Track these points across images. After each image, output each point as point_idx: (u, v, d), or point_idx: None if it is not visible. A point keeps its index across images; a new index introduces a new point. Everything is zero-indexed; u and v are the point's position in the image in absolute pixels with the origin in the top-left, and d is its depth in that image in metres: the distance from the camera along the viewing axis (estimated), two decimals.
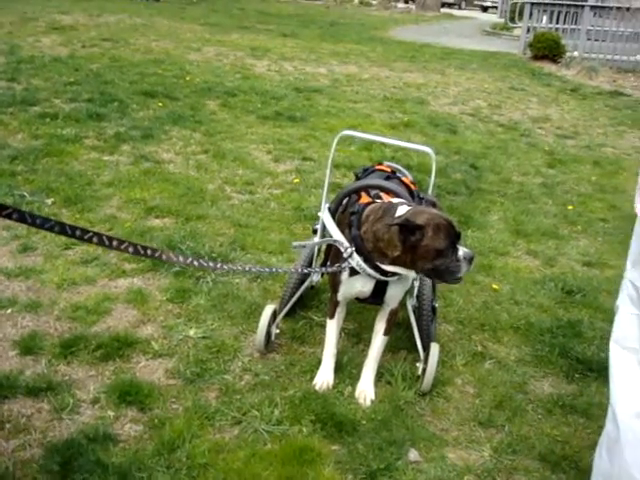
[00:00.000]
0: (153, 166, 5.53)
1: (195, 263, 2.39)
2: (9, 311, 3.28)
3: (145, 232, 4.22)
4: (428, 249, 2.54)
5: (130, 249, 2.01)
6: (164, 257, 2.19)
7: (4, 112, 6.58)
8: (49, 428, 2.55)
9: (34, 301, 3.38)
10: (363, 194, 2.92)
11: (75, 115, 6.67)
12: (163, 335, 3.20)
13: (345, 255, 2.74)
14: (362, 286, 2.80)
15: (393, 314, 2.92)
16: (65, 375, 2.86)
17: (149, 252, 2.10)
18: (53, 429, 2.55)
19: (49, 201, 4.55)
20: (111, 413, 2.66)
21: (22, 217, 1.80)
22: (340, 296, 2.89)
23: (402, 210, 2.63)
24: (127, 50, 11.09)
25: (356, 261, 2.71)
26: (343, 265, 2.76)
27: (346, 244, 2.78)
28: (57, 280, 3.58)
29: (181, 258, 2.30)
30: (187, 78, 9.19)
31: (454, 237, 2.55)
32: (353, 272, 2.76)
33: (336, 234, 2.90)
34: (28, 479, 2.30)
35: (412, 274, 2.75)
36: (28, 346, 3.01)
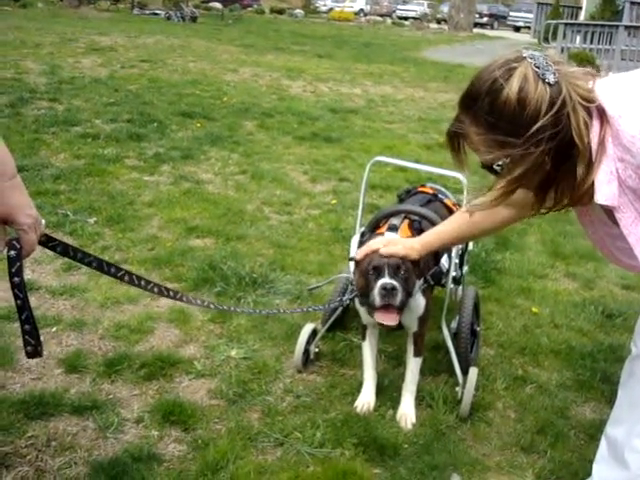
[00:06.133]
0: (193, 186, 5.60)
1: (212, 306, 2.78)
2: (54, 329, 3.33)
3: (186, 252, 4.26)
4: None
5: (155, 289, 2.22)
6: (184, 299, 2.42)
7: (47, 132, 6.74)
8: (94, 446, 2.58)
9: (78, 319, 3.43)
10: (382, 224, 2.97)
11: (116, 135, 6.81)
12: (205, 355, 3.23)
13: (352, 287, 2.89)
14: None
15: (418, 336, 2.92)
16: (109, 394, 2.89)
17: (171, 293, 2.32)
18: (98, 448, 2.57)
19: (92, 220, 4.62)
20: (155, 433, 2.67)
21: (65, 251, 1.96)
22: (364, 321, 2.94)
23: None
24: (165, 71, 11.28)
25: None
26: (345, 298, 2.96)
27: (349, 278, 2.96)
28: (101, 299, 3.64)
29: (199, 301, 2.56)
30: (224, 99, 9.31)
31: (375, 266, 2.59)
32: None
33: (350, 263, 2.96)
34: None
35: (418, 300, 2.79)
36: (73, 364, 3.05)
